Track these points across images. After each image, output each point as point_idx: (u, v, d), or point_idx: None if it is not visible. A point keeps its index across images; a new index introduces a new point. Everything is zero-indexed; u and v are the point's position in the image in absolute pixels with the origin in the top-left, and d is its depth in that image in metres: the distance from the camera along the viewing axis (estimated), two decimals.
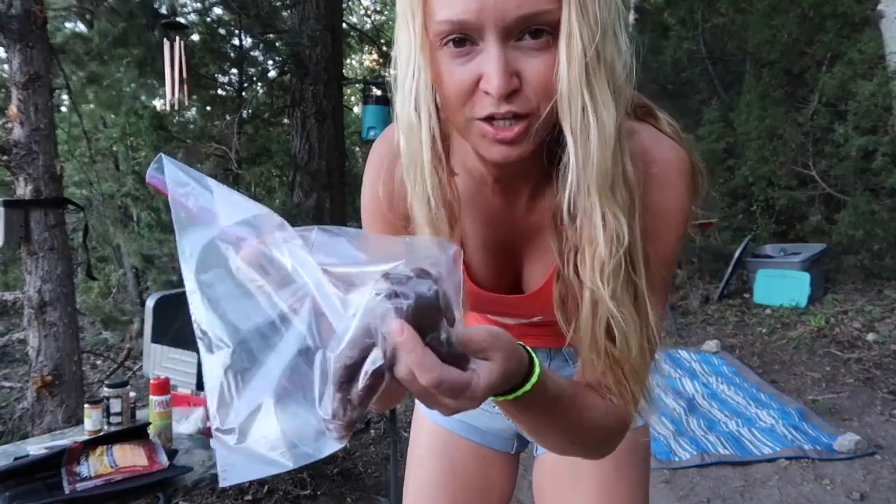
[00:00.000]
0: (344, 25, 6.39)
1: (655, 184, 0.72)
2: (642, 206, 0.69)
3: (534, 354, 0.64)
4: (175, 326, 2.25)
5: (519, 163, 0.67)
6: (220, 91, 5.99)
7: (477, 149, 0.67)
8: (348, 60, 8.66)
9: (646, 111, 0.79)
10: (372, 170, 0.82)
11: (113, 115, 6.02)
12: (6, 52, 2.85)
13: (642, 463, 1.06)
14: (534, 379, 0.63)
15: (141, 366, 2.87)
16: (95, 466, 1.58)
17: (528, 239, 0.81)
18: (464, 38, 0.61)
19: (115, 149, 6.32)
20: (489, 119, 0.63)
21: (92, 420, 1.89)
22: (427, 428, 1.12)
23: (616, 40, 0.63)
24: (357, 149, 8.74)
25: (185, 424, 1.93)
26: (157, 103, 5.84)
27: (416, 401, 1.14)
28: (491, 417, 1.10)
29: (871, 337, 4.32)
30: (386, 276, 0.50)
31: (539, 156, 0.68)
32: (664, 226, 0.74)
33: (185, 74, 3.93)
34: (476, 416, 1.10)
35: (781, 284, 5.18)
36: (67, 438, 1.87)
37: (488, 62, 0.60)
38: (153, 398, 1.83)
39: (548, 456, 1.06)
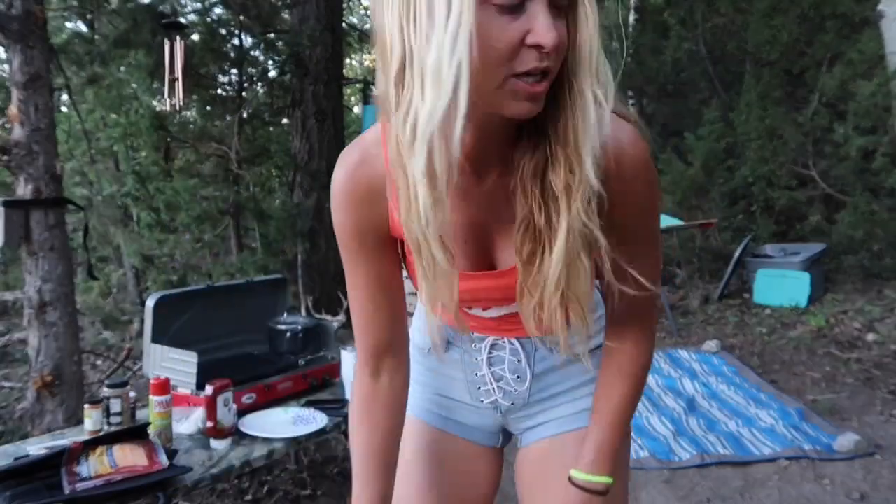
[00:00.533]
0: (344, 25, 6.39)
1: (623, 155, 0.79)
2: (614, 175, 0.77)
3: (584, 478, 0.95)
4: (175, 326, 2.25)
5: (507, 128, 0.74)
6: (220, 91, 5.98)
7: (500, 108, 0.70)
8: (348, 60, 8.66)
9: None
10: (345, 179, 0.85)
11: (113, 115, 6.01)
12: (6, 52, 2.85)
13: (627, 446, 1.09)
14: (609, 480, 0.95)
15: (141, 366, 2.88)
16: (95, 466, 1.58)
17: (498, 217, 0.84)
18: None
19: (115, 149, 6.32)
20: (525, 75, 0.67)
21: (92, 420, 1.89)
22: (414, 427, 1.12)
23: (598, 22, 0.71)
24: None
25: (185, 424, 1.94)
26: (158, 103, 5.84)
27: None
28: (479, 414, 1.10)
29: (871, 337, 4.32)
30: None
31: (512, 129, 0.75)
32: (640, 187, 0.82)
33: (184, 74, 3.93)
34: (464, 413, 1.11)
35: (781, 284, 5.18)
36: (67, 438, 1.87)
37: (540, 18, 0.65)
38: (153, 398, 1.83)
39: (533, 446, 1.08)
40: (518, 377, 1.05)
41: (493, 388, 1.06)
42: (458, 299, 0.83)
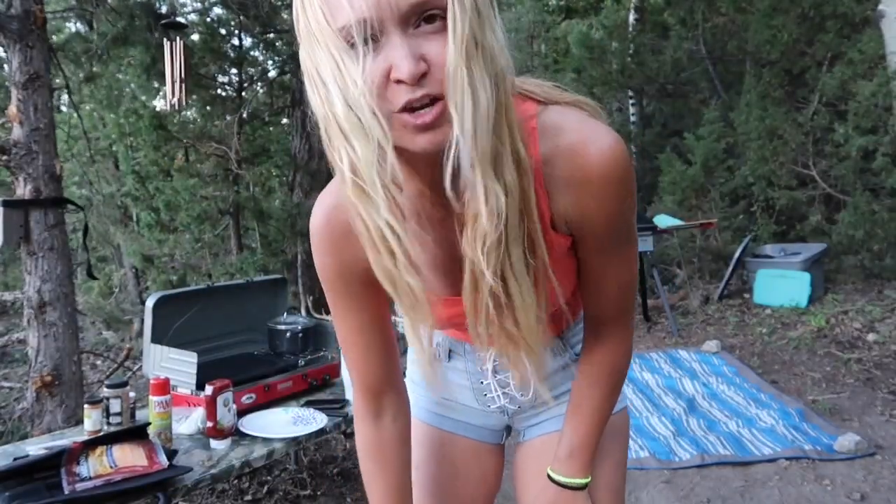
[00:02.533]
0: None
1: (589, 161, 0.75)
2: (575, 184, 0.75)
3: (558, 479, 0.96)
4: (175, 326, 2.25)
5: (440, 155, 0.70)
6: (220, 91, 5.98)
7: (405, 146, 0.67)
8: None
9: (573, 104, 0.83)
10: (323, 223, 0.85)
11: (112, 115, 6.02)
12: (6, 52, 2.85)
13: (623, 443, 1.11)
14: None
15: (141, 366, 2.87)
16: (95, 466, 1.58)
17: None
18: (366, 38, 0.63)
19: (114, 149, 6.32)
20: (408, 110, 0.64)
21: (92, 420, 1.89)
22: (420, 431, 1.13)
23: (494, 31, 0.66)
24: None
25: (185, 424, 1.93)
26: (157, 103, 5.84)
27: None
28: (485, 415, 1.11)
29: (871, 337, 4.32)
30: None
31: None
32: (607, 197, 0.77)
33: (184, 74, 3.93)
34: (469, 414, 1.12)
35: (781, 284, 5.18)
36: (67, 438, 1.87)
37: (394, 51, 0.63)
38: (153, 398, 1.83)
39: (535, 441, 1.09)
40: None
41: (499, 396, 1.07)
42: (445, 322, 0.85)
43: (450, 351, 1.09)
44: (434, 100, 0.64)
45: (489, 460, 1.13)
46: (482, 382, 1.07)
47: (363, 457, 1.00)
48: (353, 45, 0.63)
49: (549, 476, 0.98)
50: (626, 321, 0.92)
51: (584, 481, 0.97)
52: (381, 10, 0.62)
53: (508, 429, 1.15)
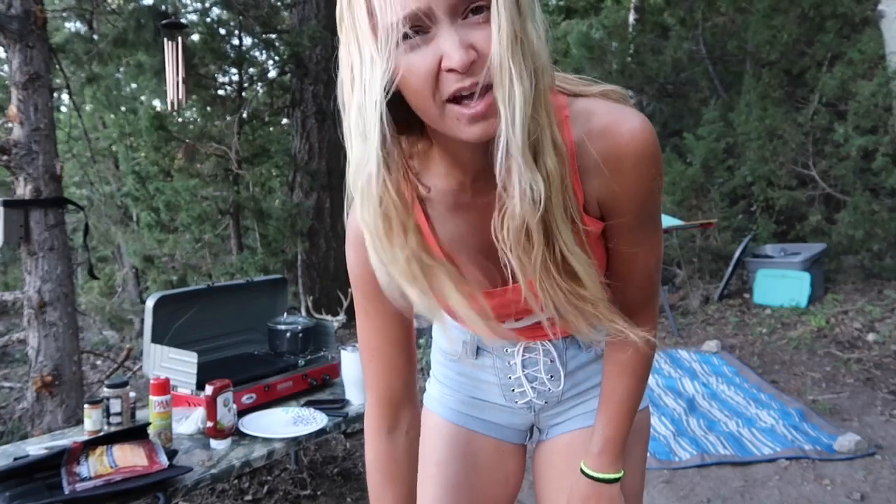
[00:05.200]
0: None
1: (621, 141, 0.77)
2: (608, 164, 0.77)
3: (591, 474, 0.97)
4: (175, 326, 2.25)
5: (480, 145, 0.72)
6: (220, 91, 5.98)
7: (457, 136, 0.69)
8: None
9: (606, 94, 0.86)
10: (358, 231, 0.85)
11: (112, 116, 6.02)
12: (6, 52, 2.85)
13: (644, 443, 1.12)
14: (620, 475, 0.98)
15: (141, 366, 2.87)
16: (95, 466, 1.58)
17: None
18: (417, 28, 0.65)
19: (114, 149, 6.32)
20: (458, 99, 0.67)
21: (92, 420, 1.89)
22: (444, 430, 1.13)
23: (535, 24, 0.68)
24: None
25: (185, 424, 1.94)
26: (157, 103, 5.84)
27: (426, 404, 1.15)
28: (511, 413, 1.12)
29: (871, 337, 4.32)
30: None
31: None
32: (638, 175, 0.79)
33: (184, 74, 3.93)
34: (495, 413, 1.12)
35: (781, 284, 5.18)
36: (67, 438, 1.87)
37: (445, 41, 0.65)
38: (153, 398, 1.83)
39: (559, 439, 1.10)
40: (552, 377, 1.06)
41: (528, 390, 1.08)
42: (489, 314, 0.86)
43: (477, 349, 1.09)
44: (483, 88, 0.66)
45: (511, 461, 1.14)
46: (510, 378, 1.08)
47: (373, 469, 1.01)
48: (405, 37, 0.65)
49: (582, 471, 0.99)
50: (652, 310, 0.94)
51: (617, 476, 0.98)
52: (432, 1, 0.64)
53: (531, 430, 1.15)
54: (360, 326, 0.95)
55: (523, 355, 1.06)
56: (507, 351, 1.07)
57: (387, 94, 0.66)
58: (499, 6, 0.65)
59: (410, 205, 0.74)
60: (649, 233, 0.86)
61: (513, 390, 1.09)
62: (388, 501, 1.00)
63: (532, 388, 1.07)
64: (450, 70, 0.65)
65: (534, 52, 0.67)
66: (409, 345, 0.96)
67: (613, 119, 0.77)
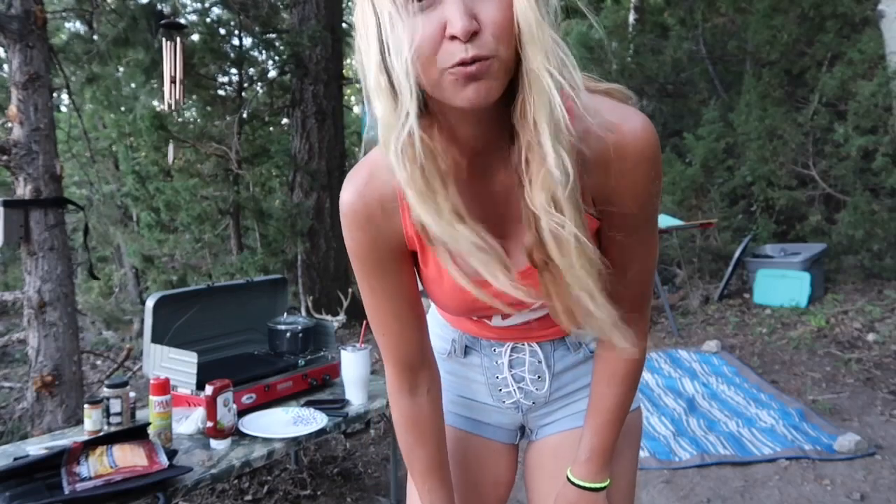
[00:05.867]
0: (344, 25, 6.38)
1: (623, 140, 0.77)
2: (608, 163, 0.76)
3: (577, 482, 0.96)
4: (175, 326, 2.25)
5: (485, 120, 0.73)
6: (220, 91, 5.98)
7: (451, 101, 0.69)
8: (348, 60, 8.66)
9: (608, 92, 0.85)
10: (356, 197, 0.84)
11: (112, 116, 6.02)
12: (6, 52, 2.85)
13: (635, 445, 1.11)
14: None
15: (141, 366, 2.87)
16: (95, 466, 1.58)
17: (508, 217, 0.83)
18: None
19: (114, 149, 6.32)
20: (458, 67, 0.66)
21: (92, 420, 1.89)
22: None
23: (548, 9, 0.69)
24: (357, 149, 8.73)
25: (185, 424, 1.94)
26: (153, 102, 5.83)
27: None
28: (500, 413, 1.12)
29: (871, 337, 4.32)
30: None
31: (504, 121, 0.73)
32: (638, 175, 0.79)
33: (182, 75, 3.92)
34: (485, 413, 1.12)
35: (781, 284, 5.18)
36: (67, 438, 1.87)
37: (449, 8, 0.65)
38: (153, 398, 1.83)
39: (548, 440, 1.10)
40: (538, 377, 1.06)
41: (515, 390, 1.08)
42: (468, 306, 0.86)
43: (466, 347, 1.10)
44: (481, 60, 0.66)
45: (503, 460, 1.14)
46: (497, 377, 1.08)
47: (401, 430, 1.01)
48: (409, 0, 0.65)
49: (568, 479, 0.99)
50: (644, 313, 0.92)
51: (603, 485, 0.98)
52: None
53: (522, 429, 1.15)
54: (367, 303, 0.93)
55: (510, 355, 1.06)
56: (494, 350, 1.07)
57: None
58: None
59: (442, 156, 0.74)
60: (645, 234, 0.85)
61: (500, 390, 1.09)
62: (419, 458, 1.01)
63: (519, 388, 1.07)
64: (452, 38, 0.65)
65: (553, 25, 0.68)
66: (417, 316, 0.94)
67: (616, 118, 0.77)
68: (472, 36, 0.65)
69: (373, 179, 0.83)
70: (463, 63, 0.66)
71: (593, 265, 0.76)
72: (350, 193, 0.84)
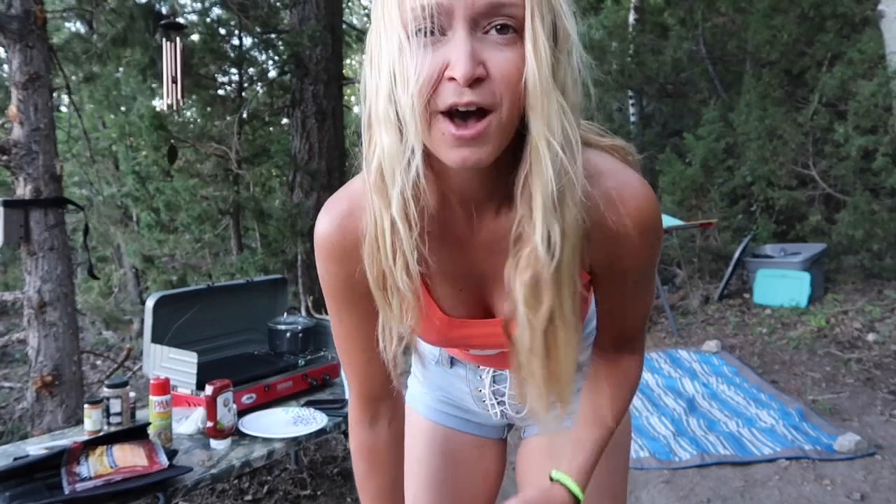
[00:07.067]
0: (344, 25, 6.38)
1: (626, 216, 0.74)
2: (611, 235, 0.73)
3: (569, 484, 0.85)
4: (175, 326, 2.25)
5: (479, 173, 0.68)
6: (220, 91, 5.98)
7: (437, 152, 0.66)
8: (348, 60, 8.66)
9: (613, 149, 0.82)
10: (333, 230, 0.80)
11: (112, 116, 6.01)
12: (6, 52, 2.85)
13: (623, 448, 1.11)
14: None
15: (141, 366, 2.87)
16: (95, 466, 1.58)
17: (494, 263, 0.79)
18: (433, 27, 0.61)
19: (114, 149, 6.31)
20: (451, 115, 0.62)
21: (92, 420, 1.89)
22: (424, 428, 1.14)
23: (570, 60, 0.65)
24: (357, 149, 8.72)
25: (185, 424, 1.94)
26: (157, 103, 5.83)
27: (407, 402, 1.16)
28: (487, 415, 1.13)
29: (871, 337, 4.32)
30: None
31: (500, 173, 0.69)
32: (641, 247, 0.76)
33: (180, 76, 3.92)
34: (473, 411, 1.13)
35: (781, 284, 5.18)
36: (67, 438, 1.87)
37: (455, 48, 0.61)
38: (153, 398, 1.83)
39: (536, 437, 1.10)
40: None
41: (495, 404, 1.09)
42: (448, 340, 0.85)
43: (451, 359, 1.10)
44: (479, 111, 0.62)
45: (491, 455, 1.15)
46: (480, 391, 1.09)
47: (357, 458, 1.00)
48: (418, 32, 0.61)
49: (558, 481, 0.96)
50: (639, 343, 0.92)
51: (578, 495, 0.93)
52: (456, 1, 0.60)
53: (511, 426, 1.16)
54: (335, 332, 0.91)
55: (491, 374, 1.07)
56: (479, 366, 1.07)
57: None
58: (535, 31, 0.61)
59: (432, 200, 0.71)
60: (644, 289, 0.85)
61: (483, 401, 1.10)
62: (370, 488, 0.99)
63: (500, 401, 1.08)
64: (451, 79, 0.61)
65: (566, 90, 0.64)
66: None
67: (619, 187, 0.73)
68: (475, 82, 0.61)
69: (352, 214, 0.78)
70: (455, 111, 0.62)
71: (551, 357, 0.72)
72: (327, 225, 0.80)
